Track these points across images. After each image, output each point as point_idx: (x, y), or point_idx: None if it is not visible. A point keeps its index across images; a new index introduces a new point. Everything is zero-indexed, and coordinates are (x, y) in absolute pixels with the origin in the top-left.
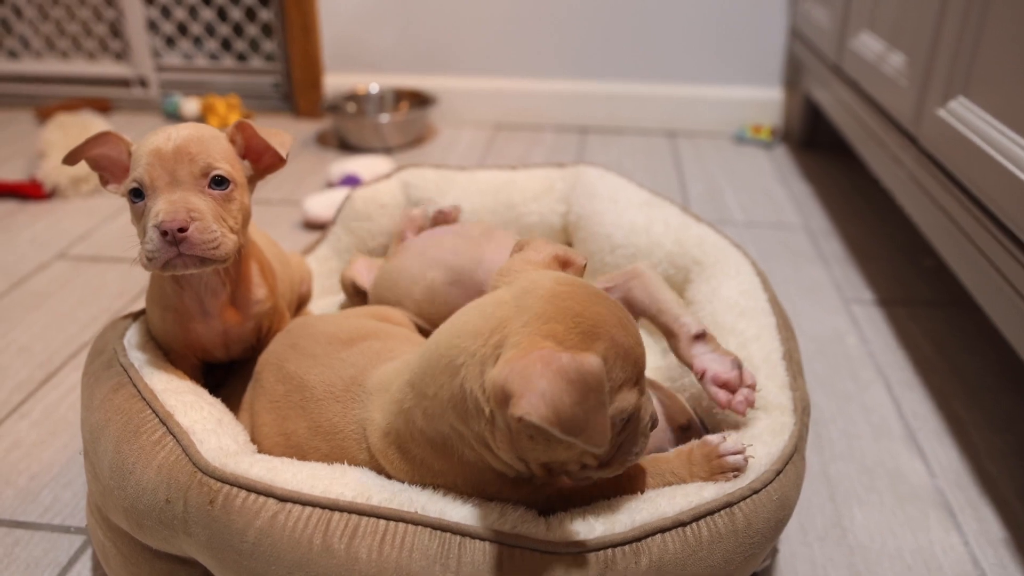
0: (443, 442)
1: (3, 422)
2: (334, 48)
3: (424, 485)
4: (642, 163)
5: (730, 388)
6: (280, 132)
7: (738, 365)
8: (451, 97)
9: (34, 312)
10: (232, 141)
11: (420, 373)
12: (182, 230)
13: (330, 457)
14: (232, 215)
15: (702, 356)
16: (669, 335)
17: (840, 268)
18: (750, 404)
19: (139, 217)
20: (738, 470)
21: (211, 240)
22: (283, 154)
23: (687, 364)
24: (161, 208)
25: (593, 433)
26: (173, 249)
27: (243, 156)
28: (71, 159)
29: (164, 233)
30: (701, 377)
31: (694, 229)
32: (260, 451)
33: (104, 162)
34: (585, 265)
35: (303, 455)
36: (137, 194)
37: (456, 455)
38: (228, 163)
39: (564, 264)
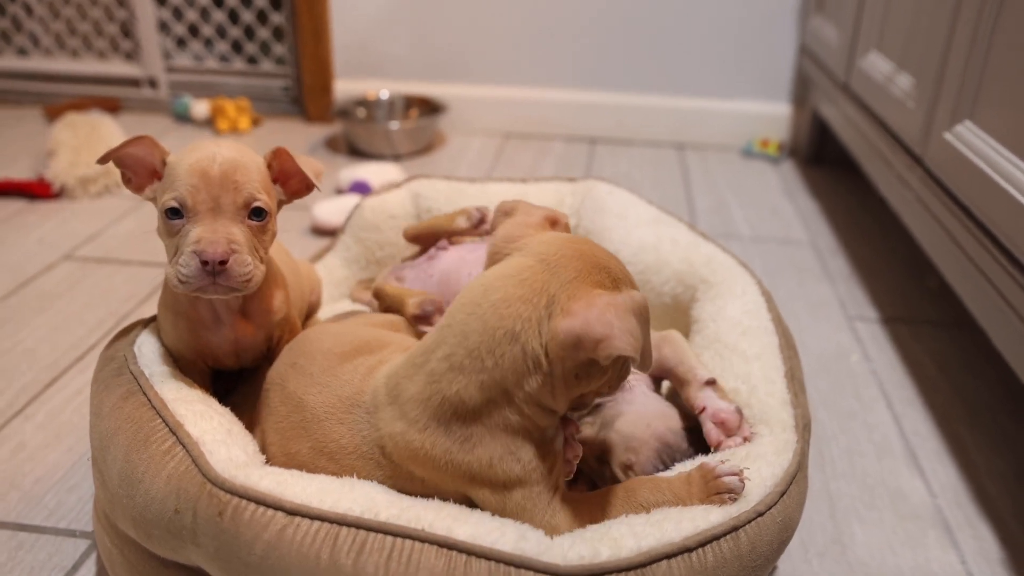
0: (489, 412)
1: (8, 424)
2: (345, 53)
3: (455, 473)
4: (650, 175)
5: (727, 428)
6: (313, 160)
7: (739, 412)
8: (461, 105)
9: (41, 314)
10: (269, 167)
11: (471, 351)
12: (223, 262)
13: (337, 476)
14: (264, 245)
15: (708, 397)
16: (684, 383)
17: (845, 285)
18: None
19: (172, 235)
20: (733, 491)
21: (246, 273)
22: (317, 185)
23: (693, 405)
24: (204, 236)
25: (648, 355)
26: (209, 278)
27: (274, 180)
28: (105, 159)
29: (205, 263)
30: (701, 412)
31: (702, 248)
32: None
33: (129, 161)
34: (568, 223)
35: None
36: (175, 212)
37: (501, 424)
38: (266, 193)
39: (553, 223)
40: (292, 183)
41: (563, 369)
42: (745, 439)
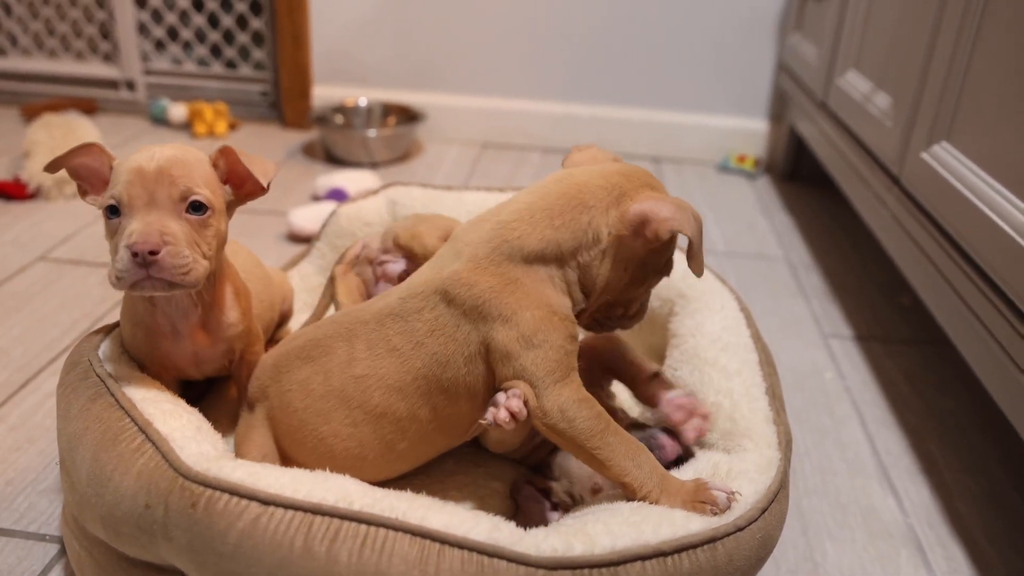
0: (538, 266)
1: None
2: (324, 60)
3: (493, 311)
4: None
5: (686, 412)
6: (264, 160)
7: (691, 395)
8: (439, 114)
9: (14, 315)
10: (215, 165)
11: (547, 208)
12: (153, 253)
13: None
14: (207, 241)
15: (658, 390)
16: (632, 380)
17: (819, 302)
18: (700, 434)
19: (113, 234)
20: (717, 505)
21: (182, 265)
22: (264, 184)
23: (645, 400)
24: (135, 229)
25: (700, 258)
26: (143, 271)
27: (225, 181)
28: (53, 167)
29: (135, 254)
30: (658, 402)
31: (679, 262)
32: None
33: (84, 172)
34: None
35: (350, 384)
36: (113, 211)
37: (545, 278)
38: (208, 188)
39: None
40: (247, 185)
41: (617, 250)
42: (704, 416)
